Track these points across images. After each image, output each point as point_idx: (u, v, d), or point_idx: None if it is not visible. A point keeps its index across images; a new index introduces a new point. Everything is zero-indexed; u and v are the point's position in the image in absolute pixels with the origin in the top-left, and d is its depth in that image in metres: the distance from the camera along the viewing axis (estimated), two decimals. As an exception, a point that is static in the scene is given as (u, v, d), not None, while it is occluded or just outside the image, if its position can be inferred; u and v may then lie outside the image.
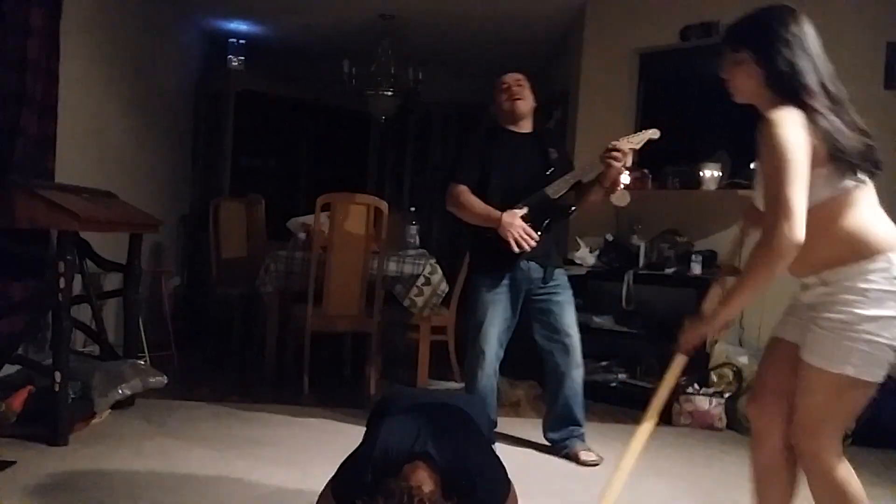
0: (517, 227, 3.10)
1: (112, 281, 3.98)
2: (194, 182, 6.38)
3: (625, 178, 3.17)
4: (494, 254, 3.17)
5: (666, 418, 3.94)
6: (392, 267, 4.30)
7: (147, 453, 2.98)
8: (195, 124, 6.37)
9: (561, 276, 3.35)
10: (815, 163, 1.77)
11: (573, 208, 3.33)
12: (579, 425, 3.33)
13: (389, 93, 6.01)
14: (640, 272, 4.29)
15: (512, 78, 3.37)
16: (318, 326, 4.18)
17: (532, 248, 3.13)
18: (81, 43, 4.12)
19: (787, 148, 1.75)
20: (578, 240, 4.54)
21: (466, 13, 5.58)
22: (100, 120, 4.48)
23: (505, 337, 3.31)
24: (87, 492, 2.53)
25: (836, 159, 1.79)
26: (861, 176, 1.82)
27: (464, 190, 3.22)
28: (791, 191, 1.72)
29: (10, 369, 3.22)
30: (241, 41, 6.46)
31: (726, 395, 3.92)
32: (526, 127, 3.37)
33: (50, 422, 2.97)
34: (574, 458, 3.23)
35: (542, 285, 3.27)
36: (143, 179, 5.11)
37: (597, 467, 3.16)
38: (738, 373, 3.95)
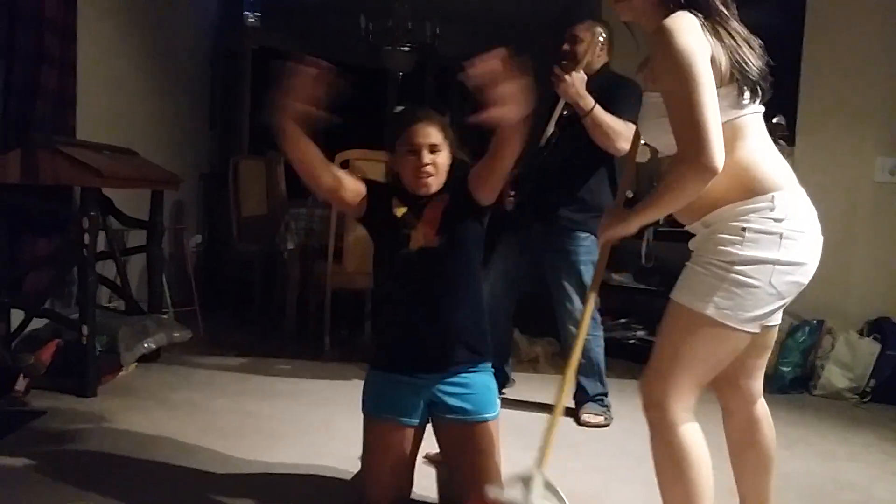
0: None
1: (135, 238, 4.02)
2: (213, 140, 6.39)
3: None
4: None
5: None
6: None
7: (172, 405, 3.04)
8: (213, 82, 6.36)
9: (570, 234, 3.13)
10: (714, 81, 1.54)
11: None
12: (584, 390, 3.20)
13: (406, 48, 5.98)
14: (661, 229, 4.27)
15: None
16: (339, 283, 4.21)
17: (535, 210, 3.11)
18: (99, 2, 4.10)
19: (690, 60, 1.50)
20: (598, 196, 4.51)
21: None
22: (118, 77, 4.48)
23: (510, 288, 3.27)
24: (115, 441, 2.59)
25: (737, 79, 1.58)
26: (758, 102, 1.64)
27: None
28: (701, 110, 1.49)
29: (37, 323, 3.28)
30: (257, -3, 6.43)
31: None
32: None
33: (78, 374, 3.04)
34: (576, 419, 3.16)
35: (560, 241, 3.14)
36: (162, 137, 5.13)
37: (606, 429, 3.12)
38: (757, 329, 3.95)
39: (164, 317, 3.67)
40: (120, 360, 3.24)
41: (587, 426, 3.11)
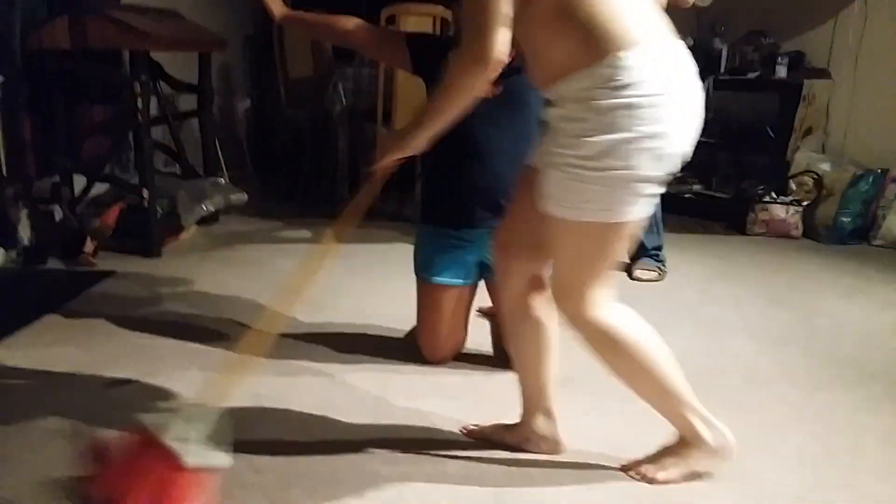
0: None
1: (186, 103, 4.03)
2: (255, 1, 6.22)
3: None
4: None
5: (739, 227, 3.93)
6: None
7: (233, 263, 3.15)
8: (253, -62, 6.12)
9: None
10: None
11: None
12: (644, 246, 3.10)
13: None
14: (721, 77, 4.09)
15: None
16: (389, 143, 4.18)
17: None
18: None
19: None
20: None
21: None
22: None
23: None
24: (183, 296, 2.72)
25: None
26: None
27: None
28: None
29: (100, 189, 3.38)
30: None
31: (805, 203, 3.83)
32: None
33: (142, 236, 3.15)
34: (629, 273, 3.12)
35: None
36: (205, -1, 5.01)
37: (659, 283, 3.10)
38: (818, 181, 3.84)
39: (220, 180, 3.73)
40: (181, 221, 3.34)
41: (640, 281, 3.11)
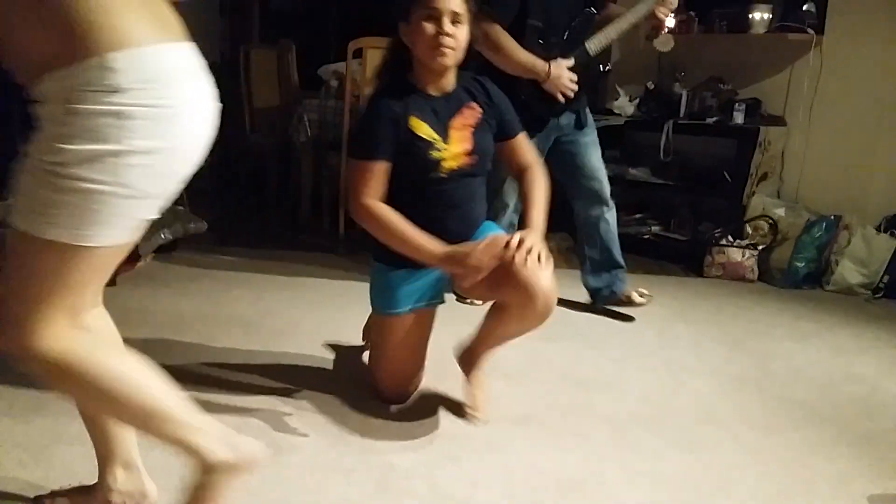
0: (565, 78, 2.82)
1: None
2: (223, 27, 6.23)
3: (669, 22, 2.97)
4: (529, 107, 2.75)
5: (697, 269, 3.99)
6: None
7: (191, 294, 3.09)
8: (222, -34, 6.14)
9: (588, 116, 3.09)
10: None
11: (608, 68, 3.20)
12: (622, 267, 3.16)
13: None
14: (681, 122, 4.18)
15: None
16: (353, 175, 4.18)
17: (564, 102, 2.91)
18: None
19: None
20: (618, 88, 4.40)
21: None
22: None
23: None
24: (136, 328, 2.65)
25: None
26: None
27: (501, 31, 2.74)
28: None
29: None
30: None
31: (760, 247, 3.91)
32: None
33: (97, 263, 3.07)
34: (626, 300, 3.10)
35: (573, 129, 3.03)
36: (171, 25, 4.99)
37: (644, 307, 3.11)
38: (773, 225, 3.92)
39: (180, 208, 3.67)
40: (137, 250, 3.27)
41: (639, 305, 3.10)
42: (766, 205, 4.01)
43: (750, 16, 4.09)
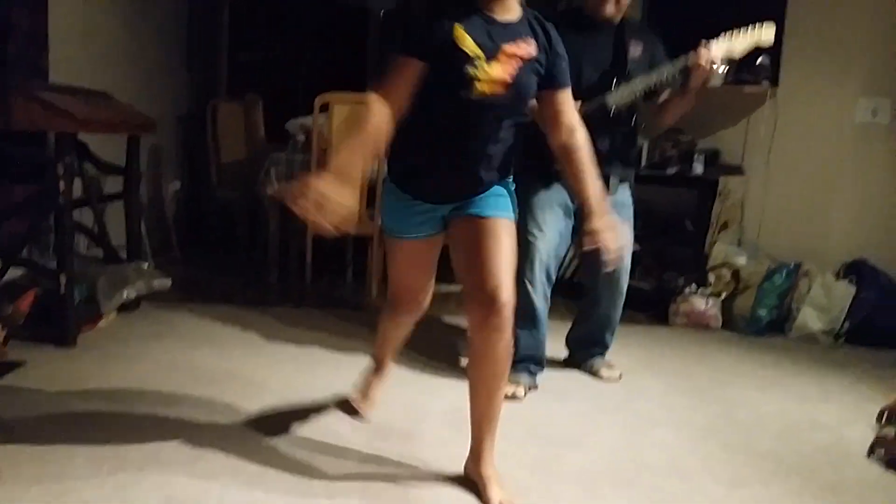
0: None
1: (112, 185, 3.96)
2: (190, 82, 6.25)
3: (717, 77, 2.79)
4: (545, 158, 2.64)
5: (662, 318, 4.03)
6: (392, 168, 4.28)
7: (154, 354, 3.04)
8: (190, 21, 6.18)
9: (623, 191, 2.94)
10: None
11: (642, 124, 2.95)
12: (607, 347, 3.15)
13: (387, -14, 5.82)
14: (642, 172, 4.25)
15: None
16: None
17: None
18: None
19: None
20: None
21: None
22: (92, 18, 4.34)
23: (557, 255, 2.87)
24: (97, 391, 2.60)
25: None
26: None
27: None
28: None
29: (16, 272, 3.25)
30: (233, -68, 6.20)
31: (723, 295, 3.97)
32: (602, 15, 2.79)
33: (57, 324, 3.02)
34: (595, 373, 3.09)
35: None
36: (138, 79, 5.00)
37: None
38: (735, 273, 3.99)
39: (144, 265, 3.64)
40: (100, 308, 3.23)
41: (607, 381, 3.04)
42: (727, 253, 4.08)
43: (706, 70, 4.20)
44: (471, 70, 1.86)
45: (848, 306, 3.82)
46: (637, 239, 4.30)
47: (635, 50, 2.83)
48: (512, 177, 2.12)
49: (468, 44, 1.86)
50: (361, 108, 4.13)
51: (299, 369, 2.96)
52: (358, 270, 4.71)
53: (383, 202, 2.18)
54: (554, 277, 2.87)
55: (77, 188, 3.28)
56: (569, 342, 3.24)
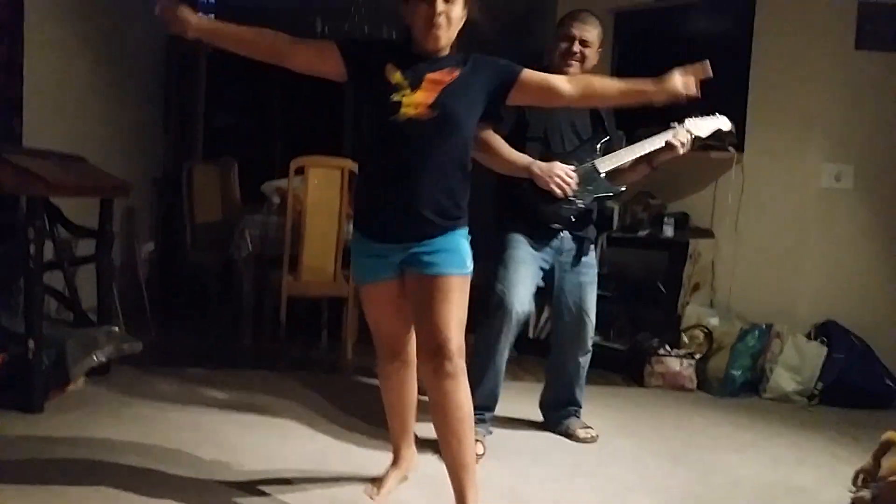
0: (558, 168, 2.69)
1: (84, 247, 3.93)
2: (166, 144, 6.28)
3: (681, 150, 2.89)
4: (527, 212, 2.79)
5: (638, 379, 4.04)
6: (367, 231, 4.31)
7: (123, 419, 2.98)
8: (166, 85, 6.25)
9: (592, 252, 3.05)
10: None
11: (622, 189, 3.03)
12: (580, 406, 3.16)
13: (363, 53, 5.92)
14: (614, 235, 4.32)
15: (580, 32, 2.88)
16: (294, 291, 4.18)
17: (572, 219, 2.85)
18: (47, 3, 4.00)
19: None
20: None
21: (441, -28, 5.49)
22: (67, 81, 4.38)
23: (530, 302, 2.91)
24: (63, 459, 2.53)
25: None
26: None
27: (493, 133, 2.66)
28: None
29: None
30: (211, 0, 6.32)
31: (697, 356, 3.99)
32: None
33: (24, 389, 2.96)
34: (572, 435, 3.07)
35: (574, 260, 2.97)
36: (113, 142, 5.03)
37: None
38: (708, 335, 4.02)
39: (115, 328, 3.59)
40: (68, 373, 3.16)
41: (584, 442, 3.05)
42: (700, 314, 4.12)
43: (674, 135, 4.31)
44: (395, 97, 2.02)
45: (820, 367, 3.85)
46: (611, 300, 4.38)
47: (608, 117, 3.00)
48: (466, 227, 2.17)
49: (395, 76, 2.04)
50: (336, 171, 4.20)
51: (271, 435, 2.91)
52: (333, 332, 4.68)
53: (352, 249, 2.28)
54: (517, 332, 2.88)
55: (49, 251, 3.25)
56: (542, 406, 3.23)
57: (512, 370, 4.04)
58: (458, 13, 2.05)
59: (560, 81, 2.20)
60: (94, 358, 3.26)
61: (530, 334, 4.56)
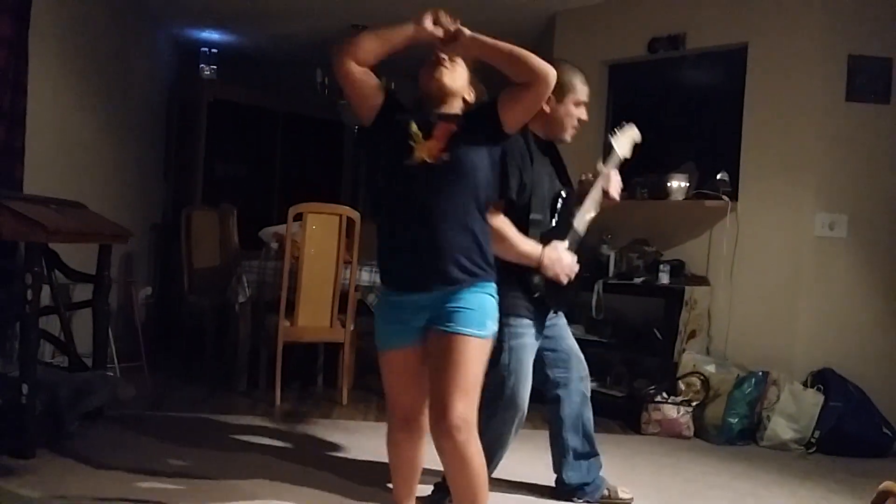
0: (566, 259, 2.61)
1: (82, 291, 3.95)
2: (166, 191, 6.35)
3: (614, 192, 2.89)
4: (531, 295, 2.64)
5: (635, 426, 4.01)
6: (364, 276, 4.33)
7: (115, 465, 2.95)
8: (167, 133, 6.34)
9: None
10: None
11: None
12: (598, 454, 2.94)
13: (362, 102, 6.00)
14: (610, 281, 4.34)
15: (586, 96, 2.79)
16: (290, 337, 4.18)
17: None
18: (51, 52, 4.08)
19: None
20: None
21: (439, 24, 5.62)
22: (70, 129, 4.44)
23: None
24: (54, 506, 2.51)
25: None
26: None
27: (507, 223, 2.53)
28: None
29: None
30: (213, 50, 6.44)
31: (694, 403, 3.97)
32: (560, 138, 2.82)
33: (16, 434, 2.94)
34: (613, 495, 2.90)
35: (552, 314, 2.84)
36: (114, 189, 5.08)
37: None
38: (705, 382, 4.01)
39: (109, 373, 3.59)
40: (61, 419, 3.14)
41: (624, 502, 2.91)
42: (696, 361, 4.11)
43: (668, 184, 4.37)
44: (410, 142, 2.12)
45: (817, 415, 3.83)
46: (608, 346, 4.38)
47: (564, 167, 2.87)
48: (494, 285, 2.17)
49: (412, 127, 2.14)
50: (334, 218, 4.23)
51: (264, 482, 2.88)
52: (329, 377, 4.66)
53: (376, 313, 2.30)
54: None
55: (45, 296, 3.27)
56: (568, 478, 2.91)
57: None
58: (462, 71, 2.24)
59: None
60: (88, 403, 3.25)
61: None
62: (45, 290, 3.29)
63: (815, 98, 4.20)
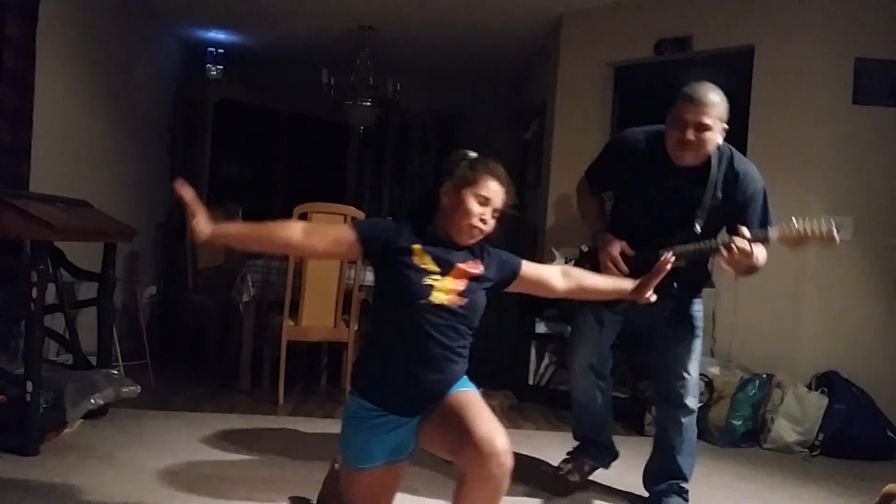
0: (609, 255, 2.78)
1: (87, 290, 3.96)
2: (171, 190, 6.35)
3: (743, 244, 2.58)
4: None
5: (638, 427, 4.01)
6: (369, 276, 4.33)
7: (119, 464, 2.97)
8: (173, 133, 6.36)
9: (689, 318, 3.01)
10: None
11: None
12: (685, 478, 2.88)
13: (368, 103, 6.03)
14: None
15: (694, 116, 2.59)
16: (294, 336, 4.18)
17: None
18: (57, 52, 4.10)
19: None
20: (554, 251, 4.58)
21: (444, 24, 5.63)
22: (76, 129, 4.46)
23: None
24: (58, 502, 2.51)
25: None
26: None
27: (583, 183, 2.91)
28: None
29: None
30: (219, 50, 6.45)
31: (698, 405, 3.95)
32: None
33: (21, 432, 2.95)
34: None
35: (666, 321, 2.91)
36: (119, 188, 5.10)
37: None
38: (709, 384, 4.00)
39: (114, 371, 3.60)
40: (65, 416, 3.16)
41: None
42: (701, 364, 4.09)
43: (674, 185, 4.35)
44: (427, 280, 2.01)
45: (821, 418, 3.82)
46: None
47: (714, 198, 2.71)
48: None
49: (427, 260, 2.03)
50: (339, 218, 4.24)
51: (266, 481, 2.88)
52: (332, 377, 4.67)
53: (344, 429, 2.12)
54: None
55: (51, 294, 3.28)
56: (647, 483, 3.00)
57: (512, 417, 4.03)
58: (492, 227, 2.09)
59: (554, 277, 2.21)
60: (92, 401, 3.26)
61: (530, 381, 4.54)
62: (51, 288, 3.31)
63: (822, 101, 4.19)
